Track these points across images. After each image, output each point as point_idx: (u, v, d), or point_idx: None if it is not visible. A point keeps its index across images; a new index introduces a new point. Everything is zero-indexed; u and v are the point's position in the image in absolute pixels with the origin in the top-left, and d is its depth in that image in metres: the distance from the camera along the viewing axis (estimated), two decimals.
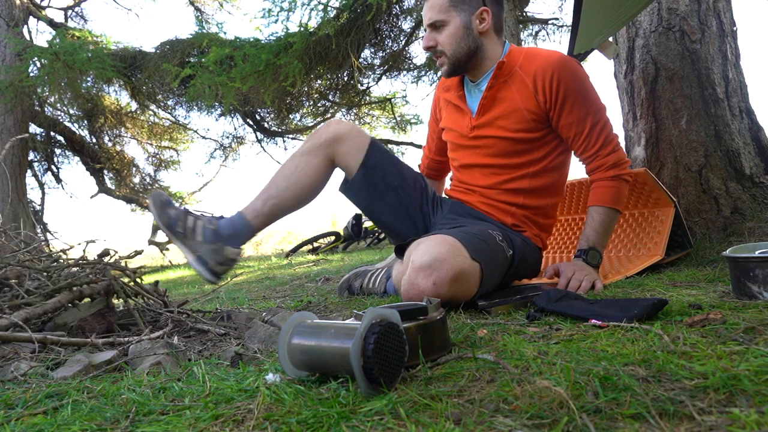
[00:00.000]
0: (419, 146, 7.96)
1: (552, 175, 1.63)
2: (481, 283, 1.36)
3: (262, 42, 5.51)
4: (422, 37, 1.64)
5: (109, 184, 9.27)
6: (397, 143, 8.29)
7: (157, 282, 1.82)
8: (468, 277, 1.32)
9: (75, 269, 1.56)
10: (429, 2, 1.56)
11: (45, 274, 1.54)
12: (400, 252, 1.53)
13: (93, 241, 1.80)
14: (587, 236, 1.56)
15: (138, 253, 1.78)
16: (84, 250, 1.71)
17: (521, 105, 1.54)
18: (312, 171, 1.60)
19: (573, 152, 1.64)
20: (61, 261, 1.71)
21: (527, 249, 1.57)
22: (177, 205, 1.58)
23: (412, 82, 7.00)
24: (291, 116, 8.05)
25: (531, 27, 7.18)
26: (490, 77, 1.57)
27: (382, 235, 6.32)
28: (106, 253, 1.58)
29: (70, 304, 1.42)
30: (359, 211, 2.03)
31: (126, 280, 1.61)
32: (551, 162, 1.62)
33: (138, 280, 1.66)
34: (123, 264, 1.67)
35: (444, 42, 1.56)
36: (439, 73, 1.62)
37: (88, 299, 1.48)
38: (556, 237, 2.36)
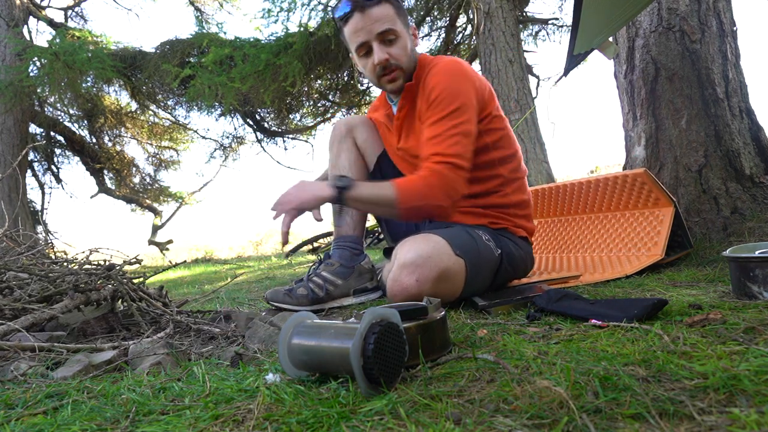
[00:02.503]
0: None
1: (496, 169, 1.54)
2: (466, 281, 1.36)
3: (262, 42, 5.52)
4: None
5: (109, 184, 9.28)
6: None
7: (161, 287, 1.83)
8: (453, 276, 1.32)
9: (81, 275, 1.57)
10: (372, 13, 1.41)
11: (48, 278, 1.54)
12: (389, 254, 1.54)
13: (97, 250, 1.81)
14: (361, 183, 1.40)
15: (138, 261, 1.81)
16: (87, 258, 1.73)
17: (417, 127, 1.51)
18: (352, 151, 1.71)
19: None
20: (65, 266, 1.72)
21: (513, 245, 1.54)
22: (291, 284, 1.69)
23: None
24: (291, 116, 8.06)
25: (531, 27, 7.19)
26: (400, 99, 1.53)
27: (382, 236, 6.32)
28: (112, 266, 1.60)
29: (76, 309, 1.42)
30: None
31: (134, 281, 1.63)
32: (487, 161, 1.52)
33: (143, 287, 1.67)
34: (128, 275, 1.68)
35: (399, 55, 1.46)
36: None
37: (94, 304, 1.48)
38: (556, 237, 2.36)
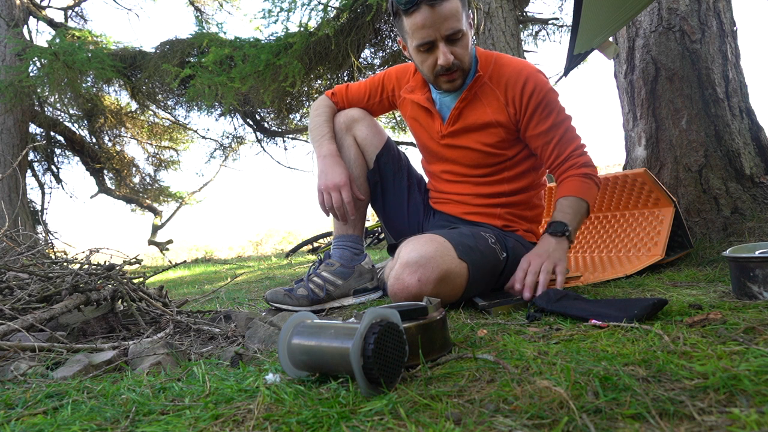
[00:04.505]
0: None
1: (529, 175, 1.61)
2: (467, 284, 1.35)
3: (262, 42, 5.51)
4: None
5: (109, 184, 9.28)
6: (398, 143, 8.28)
7: (161, 287, 1.84)
8: (454, 278, 1.31)
9: (81, 275, 1.56)
10: (442, 10, 1.33)
11: (48, 278, 1.54)
12: (393, 251, 1.55)
13: (97, 250, 1.81)
14: (554, 216, 1.45)
15: (138, 261, 1.81)
16: (87, 258, 1.73)
17: (492, 118, 1.50)
18: (352, 148, 1.69)
19: (543, 160, 1.57)
20: (65, 266, 1.72)
21: (521, 249, 1.56)
22: (291, 284, 1.69)
23: None
24: (291, 116, 8.05)
25: (531, 27, 7.19)
26: (465, 89, 1.50)
27: (382, 235, 6.34)
28: (112, 266, 1.60)
29: (76, 309, 1.42)
30: None
31: (134, 281, 1.63)
32: (527, 166, 1.59)
33: (143, 287, 1.67)
34: (128, 275, 1.68)
35: (462, 55, 1.41)
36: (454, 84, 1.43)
37: (94, 304, 1.48)
38: None
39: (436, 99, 1.59)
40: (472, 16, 1.49)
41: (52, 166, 8.71)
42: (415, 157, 1.78)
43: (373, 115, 1.77)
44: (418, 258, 1.27)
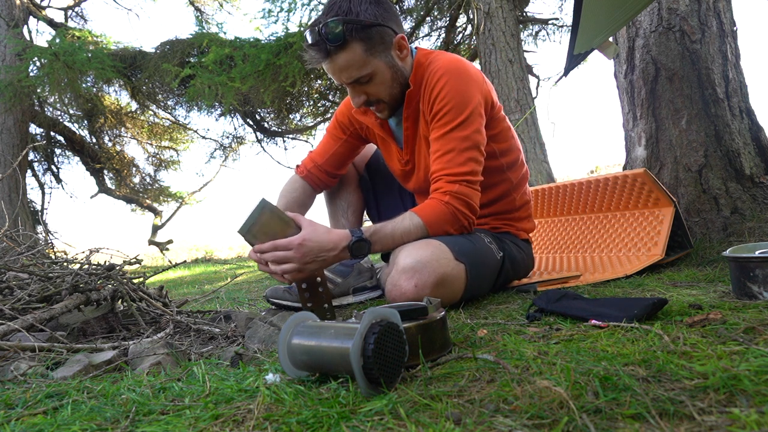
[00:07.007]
0: None
1: (502, 179, 1.54)
2: (466, 286, 1.34)
3: (262, 42, 5.52)
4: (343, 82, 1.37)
5: (109, 184, 9.28)
6: None
7: (161, 287, 1.84)
8: (452, 281, 1.30)
9: (81, 275, 1.57)
10: (338, 62, 1.31)
11: (48, 278, 1.54)
12: (387, 258, 1.54)
13: (97, 250, 1.81)
14: (381, 226, 1.33)
15: (138, 261, 1.81)
16: (87, 258, 1.73)
17: (423, 132, 1.44)
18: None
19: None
20: (65, 266, 1.72)
21: (515, 248, 1.56)
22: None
23: None
24: (291, 116, 8.06)
25: (531, 27, 7.19)
26: (403, 107, 1.45)
27: None
28: (112, 266, 1.60)
29: (76, 309, 1.42)
30: None
31: (134, 281, 1.63)
32: (493, 168, 1.49)
33: (143, 287, 1.68)
34: (128, 275, 1.68)
35: (377, 92, 1.39)
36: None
37: (94, 304, 1.48)
38: (556, 237, 2.36)
39: (391, 122, 1.56)
40: (400, 37, 1.37)
41: (52, 166, 8.71)
42: None
43: (351, 158, 1.71)
44: (413, 263, 1.26)
